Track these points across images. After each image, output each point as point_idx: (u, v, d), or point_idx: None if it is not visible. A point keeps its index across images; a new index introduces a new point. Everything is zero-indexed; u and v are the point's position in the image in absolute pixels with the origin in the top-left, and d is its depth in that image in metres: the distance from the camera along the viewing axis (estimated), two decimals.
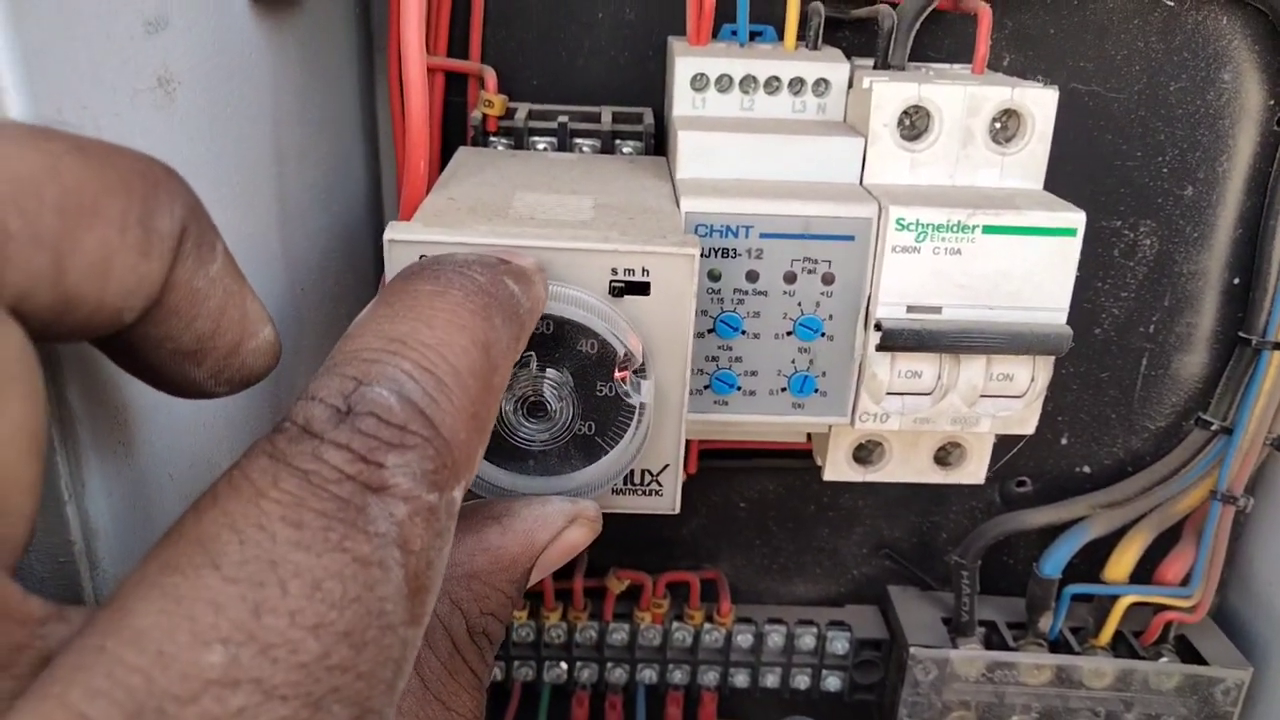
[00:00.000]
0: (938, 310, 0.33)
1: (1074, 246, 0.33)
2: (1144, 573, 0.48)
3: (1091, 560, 0.48)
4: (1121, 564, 0.48)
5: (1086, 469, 0.50)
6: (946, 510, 0.51)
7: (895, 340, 0.33)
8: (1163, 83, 0.43)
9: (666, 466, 0.31)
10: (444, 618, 0.23)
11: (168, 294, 0.17)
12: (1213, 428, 0.47)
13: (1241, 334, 0.46)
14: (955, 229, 0.32)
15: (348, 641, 0.15)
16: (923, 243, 0.32)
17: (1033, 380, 0.34)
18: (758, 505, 0.51)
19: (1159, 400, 0.48)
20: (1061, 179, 0.42)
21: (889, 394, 0.34)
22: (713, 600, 0.51)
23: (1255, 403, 0.45)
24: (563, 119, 0.41)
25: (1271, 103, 0.44)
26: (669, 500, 0.32)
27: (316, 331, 0.36)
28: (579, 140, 0.41)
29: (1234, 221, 0.45)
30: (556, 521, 0.26)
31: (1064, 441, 0.49)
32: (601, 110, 0.42)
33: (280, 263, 0.33)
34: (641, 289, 0.28)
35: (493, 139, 0.42)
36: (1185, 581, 0.48)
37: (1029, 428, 0.36)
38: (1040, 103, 0.34)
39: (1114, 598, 0.47)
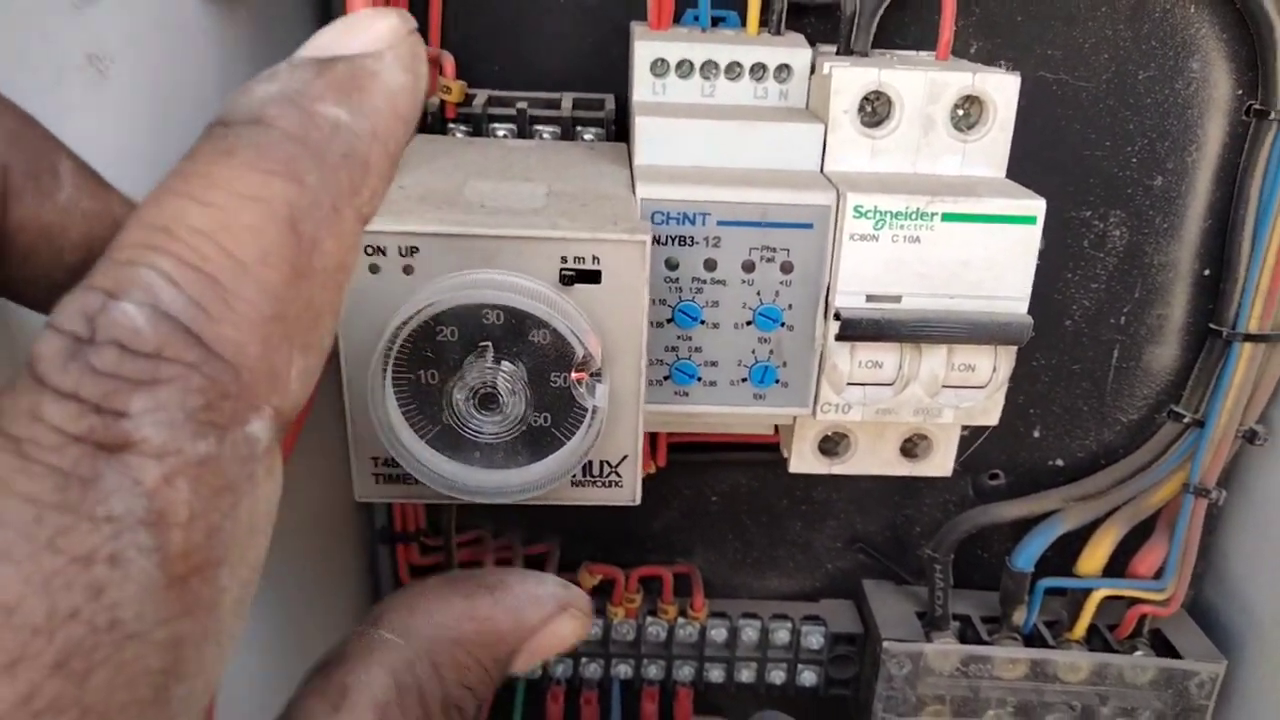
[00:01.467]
0: (897, 299, 0.33)
1: (1034, 234, 0.32)
2: (1117, 566, 0.48)
3: (1064, 553, 0.48)
4: (1094, 557, 0.47)
5: (1059, 462, 0.49)
6: (920, 503, 0.50)
7: (854, 330, 0.32)
8: (1131, 71, 0.43)
9: (625, 458, 0.31)
10: (423, 681, 0.20)
11: (15, 237, 0.15)
12: (1185, 420, 0.47)
13: (1212, 325, 0.46)
14: (914, 216, 0.32)
15: (61, 674, 0.12)
16: (881, 230, 0.32)
17: (995, 370, 0.34)
18: (729, 499, 0.50)
19: (1131, 393, 0.48)
20: (1029, 169, 0.41)
21: (850, 384, 0.34)
22: (686, 595, 0.50)
23: (1226, 395, 0.45)
24: (522, 105, 0.41)
25: (1240, 92, 0.43)
26: (629, 491, 0.31)
27: None
28: (539, 127, 0.41)
29: (1204, 212, 0.45)
30: (548, 604, 0.22)
31: (1036, 434, 0.49)
32: (562, 96, 0.42)
33: None
34: (593, 277, 0.28)
35: (451, 125, 0.41)
36: (1158, 575, 0.47)
37: (993, 419, 0.35)
38: (1002, 89, 0.34)
39: (1087, 591, 0.47)
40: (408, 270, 0.28)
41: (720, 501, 0.50)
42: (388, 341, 0.27)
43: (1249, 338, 0.44)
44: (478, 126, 0.41)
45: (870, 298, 0.33)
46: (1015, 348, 0.33)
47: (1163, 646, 0.49)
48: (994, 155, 0.35)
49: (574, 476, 0.30)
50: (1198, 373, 0.47)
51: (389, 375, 0.28)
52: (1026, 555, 0.47)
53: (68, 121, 0.21)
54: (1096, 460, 0.49)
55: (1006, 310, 0.33)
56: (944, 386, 0.34)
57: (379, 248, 0.27)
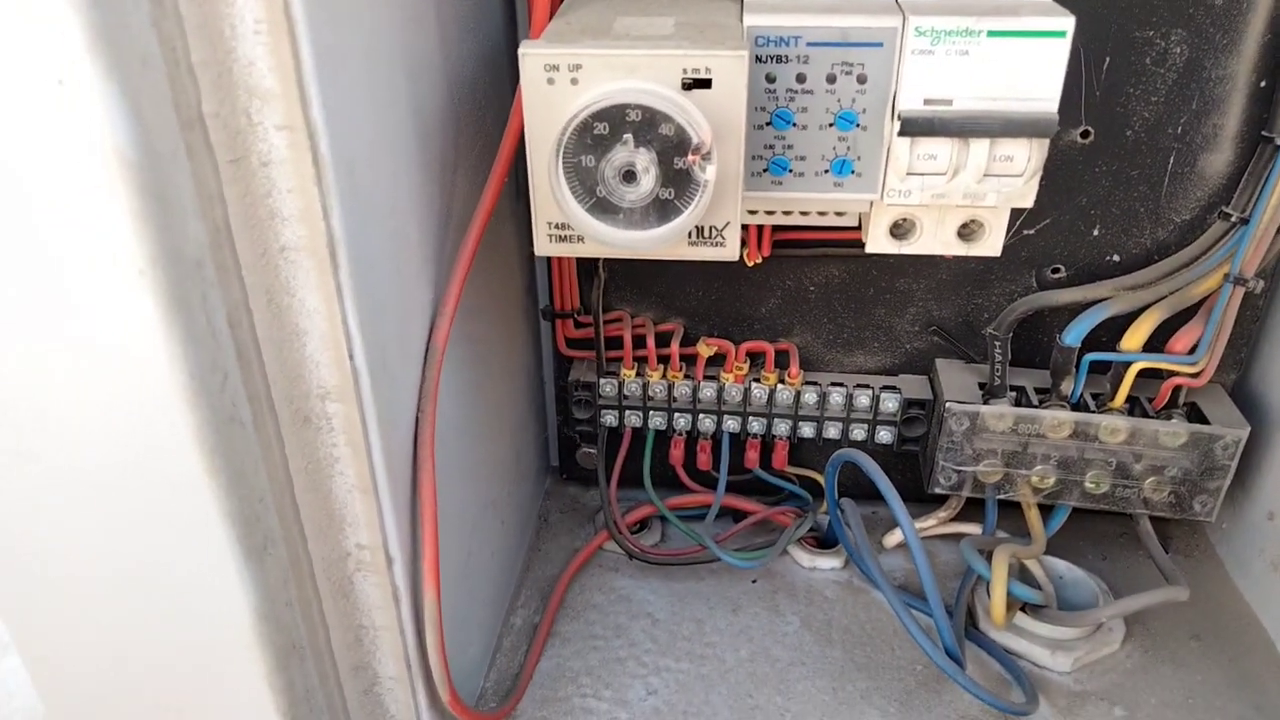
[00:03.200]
0: (949, 102, 0.41)
1: (1064, 46, 0.40)
2: (1157, 348, 0.56)
3: (1111, 337, 0.56)
4: (1136, 336, 0.55)
5: (1116, 258, 0.57)
6: (989, 293, 0.59)
7: (913, 127, 0.41)
8: None
9: (728, 224, 0.41)
10: None
11: None
12: (1232, 219, 0.53)
13: (1264, 133, 0.52)
14: (964, 34, 0.40)
15: None
16: (937, 46, 0.40)
17: (1030, 160, 0.42)
18: (824, 289, 0.60)
19: (1185, 195, 0.55)
20: None
21: (910, 174, 0.43)
22: (785, 367, 0.62)
23: (1271, 195, 0.51)
24: None
25: None
26: (731, 249, 0.42)
27: (469, 130, 0.48)
28: None
29: (1264, 27, 0.50)
30: None
31: (1096, 233, 0.56)
32: None
33: (442, 77, 0.44)
34: (705, 84, 0.38)
35: None
36: (1192, 351, 0.55)
37: (1028, 202, 0.44)
38: None
39: (1127, 364, 0.55)
40: (574, 81, 0.38)
41: (816, 290, 0.60)
42: (559, 133, 0.38)
43: None
44: None
45: (927, 101, 0.41)
46: (1047, 140, 0.42)
47: (1198, 418, 0.57)
48: None
49: (689, 236, 0.41)
50: (1247, 177, 0.53)
51: (560, 158, 0.39)
52: (1076, 333, 0.55)
53: None
54: (1150, 256, 0.56)
55: (1039, 110, 0.41)
56: (987, 175, 0.43)
57: (554, 64, 0.38)
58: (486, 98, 0.50)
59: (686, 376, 0.62)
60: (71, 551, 0.34)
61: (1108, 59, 0.51)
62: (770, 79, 0.42)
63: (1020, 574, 0.59)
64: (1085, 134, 0.53)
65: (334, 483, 0.38)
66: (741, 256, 0.56)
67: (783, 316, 0.62)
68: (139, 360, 0.30)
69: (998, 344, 0.57)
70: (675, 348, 0.62)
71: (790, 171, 0.44)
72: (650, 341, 0.62)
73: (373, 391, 0.37)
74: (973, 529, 0.63)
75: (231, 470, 0.33)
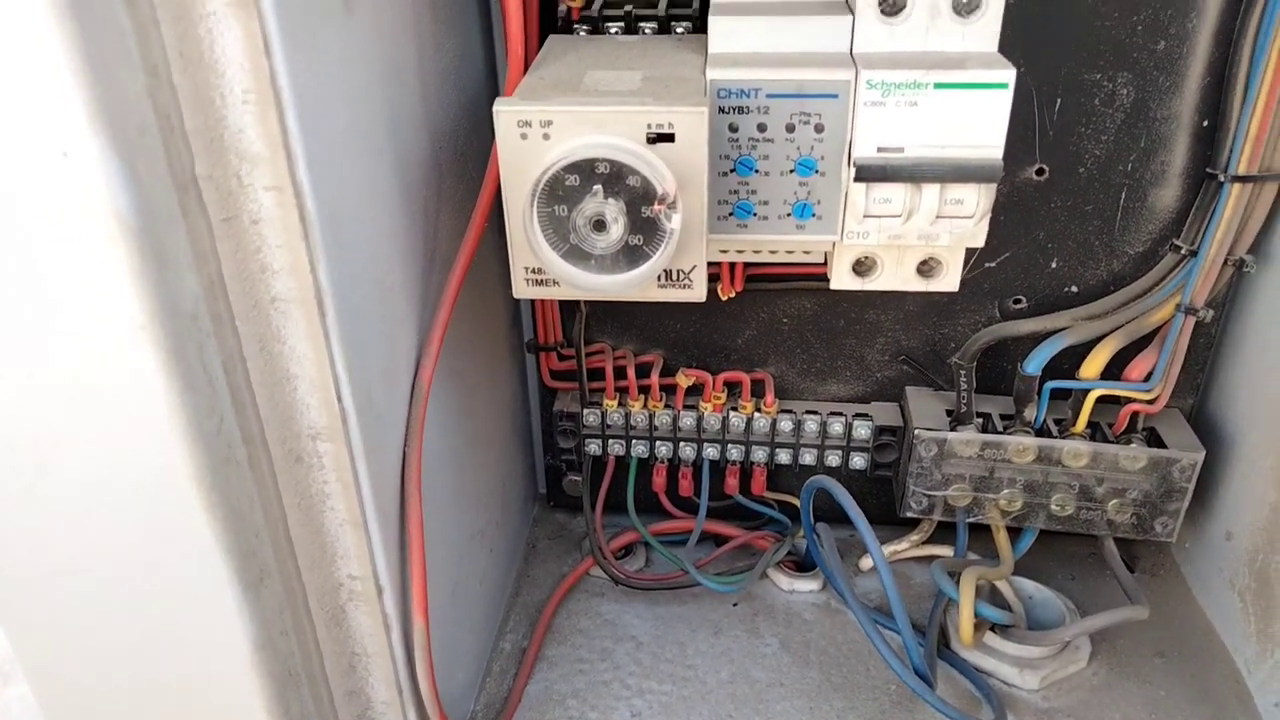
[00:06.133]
0: (901, 150, 0.44)
1: (1005, 97, 0.42)
2: (1114, 376, 0.58)
3: (1070, 365, 0.59)
4: (1094, 364, 0.58)
5: (1074, 289, 0.59)
6: (955, 323, 0.62)
7: (868, 174, 0.44)
8: None
9: (694, 267, 0.44)
10: None
11: None
12: (1182, 251, 0.56)
13: (1208, 169, 0.54)
14: (912, 86, 0.43)
15: None
16: (888, 97, 0.43)
17: (979, 203, 0.45)
18: (796, 320, 0.63)
19: (1137, 229, 0.57)
20: (1047, 39, 0.51)
21: (867, 216, 0.46)
22: (761, 396, 0.64)
23: (1218, 229, 0.54)
24: (629, 7, 0.52)
25: None
26: (698, 291, 0.45)
27: (452, 175, 0.50)
28: (642, 24, 0.53)
29: (1203, 71, 0.53)
30: None
31: (1054, 265, 0.59)
32: None
33: (424, 128, 0.46)
34: (669, 138, 0.41)
35: (576, 26, 0.53)
36: (1148, 378, 0.57)
37: (979, 241, 0.46)
38: None
39: (1086, 391, 0.58)
40: (545, 136, 0.41)
41: (789, 322, 0.63)
42: (533, 185, 0.41)
43: (1238, 179, 0.53)
44: (595, 26, 0.53)
45: (880, 149, 0.44)
46: (994, 184, 0.44)
47: (1156, 442, 0.59)
48: (987, 34, 0.45)
49: (658, 279, 0.43)
50: (1195, 211, 0.56)
51: (535, 208, 0.41)
52: (1036, 361, 0.58)
53: (329, 40, 0.35)
54: (1106, 287, 0.59)
55: (985, 156, 0.43)
56: (939, 217, 0.45)
57: (526, 121, 0.41)
58: (468, 143, 0.53)
59: (667, 406, 0.64)
60: (77, 584, 0.37)
61: (1059, 100, 0.54)
62: (733, 128, 0.45)
63: (991, 594, 0.61)
64: (1040, 171, 0.56)
65: (325, 517, 0.40)
66: (716, 291, 0.59)
67: (758, 347, 0.64)
68: (141, 406, 0.32)
69: (963, 373, 0.59)
70: (655, 378, 0.64)
71: (755, 215, 0.47)
72: (631, 373, 0.64)
73: (360, 431, 0.39)
74: (945, 551, 0.65)
75: (228, 507, 0.35)
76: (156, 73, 0.31)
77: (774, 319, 0.63)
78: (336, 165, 0.37)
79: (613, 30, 0.53)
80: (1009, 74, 0.42)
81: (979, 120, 0.43)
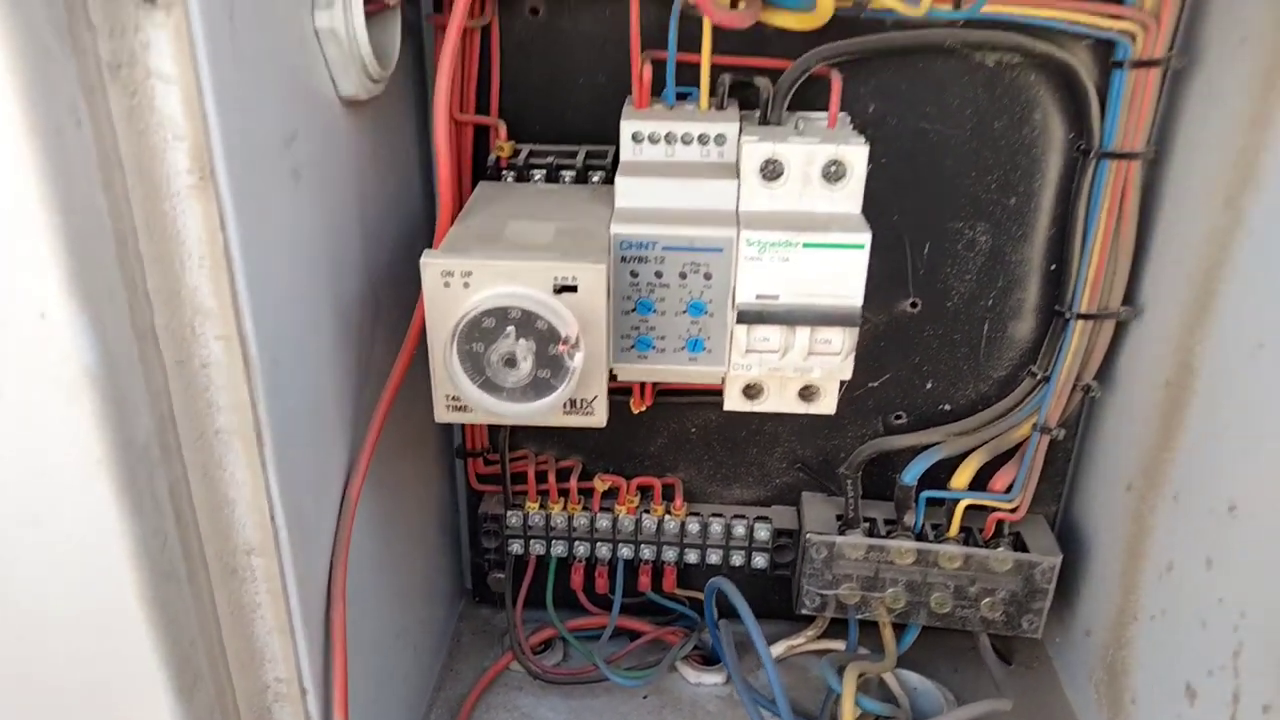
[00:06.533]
0: (776, 297, 0.51)
1: (863, 255, 0.50)
2: (983, 486, 0.65)
3: (945, 474, 0.65)
4: (963, 476, 0.65)
5: (947, 407, 0.67)
6: (844, 435, 0.68)
7: (748, 317, 0.50)
8: (989, 122, 0.59)
9: (596, 396, 0.50)
10: None
11: None
12: (1037, 377, 0.64)
13: (1056, 307, 0.62)
14: (784, 245, 0.50)
15: None
16: (764, 253, 0.50)
17: (844, 343, 0.51)
18: (703, 430, 0.69)
19: (999, 356, 0.65)
20: (916, 194, 0.59)
21: (749, 352, 0.52)
22: (671, 499, 0.70)
23: (1066, 359, 0.62)
24: (550, 159, 0.59)
25: (1072, 135, 0.59)
26: (599, 418, 0.50)
27: (388, 302, 0.56)
28: (562, 172, 0.59)
29: (1048, 223, 0.61)
30: None
31: (929, 386, 0.66)
32: (578, 150, 0.60)
33: (362, 269, 0.52)
34: (573, 289, 0.47)
35: (504, 172, 0.60)
36: (1009, 490, 0.64)
37: (847, 374, 0.53)
38: (856, 155, 0.51)
39: (956, 500, 0.65)
40: (466, 285, 0.47)
41: (696, 431, 0.69)
42: (453, 326, 0.46)
43: (1081, 316, 0.61)
44: (521, 173, 0.59)
45: (759, 296, 0.51)
46: (855, 328, 0.51)
47: (1021, 546, 0.66)
48: (853, 197, 0.52)
49: (564, 407, 0.49)
50: (1046, 342, 0.63)
51: (455, 346, 0.47)
52: (912, 473, 0.65)
53: (280, 209, 0.41)
54: (975, 406, 0.66)
55: (846, 305, 0.50)
56: (811, 354, 0.52)
57: (449, 272, 0.46)
58: (404, 270, 0.58)
59: (585, 508, 0.70)
60: (24, 687, 0.40)
61: (927, 245, 0.62)
62: (634, 274, 0.52)
63: (879, 687, 0.67)
64: (914, 304, 0.64)
65: (255, 625, 0.44)
66: (629, 404, 0.65)
67: (669, 454, 0.70)
68: (94, 528, 0.37)
69: (849, 482, 0.66)
70: (574, 483, 0.70)
71: (654, 348, 0.53)
72: (552, 477, 0.69)
73: (290, 545, 0.44)
74: (839, 645, 0.71)
75: (167, 619, 0.39)
76: (125, 242, 0.37)
77: (683, 429, 0.69)
78: (279, 312, 0.42)
79: (536, 177, 0.60)
80: (865, 236, 0.50)
81: (841, 274, 0.50)
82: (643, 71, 0.55)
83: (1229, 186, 0.52)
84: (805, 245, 0.50)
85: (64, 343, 0.35)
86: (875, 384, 0.66)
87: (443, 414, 0.50)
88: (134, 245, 0.37)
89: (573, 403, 0.50)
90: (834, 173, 0.52)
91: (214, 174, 0.37)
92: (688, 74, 0.56)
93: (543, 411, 0.48)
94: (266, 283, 0.41)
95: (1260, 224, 0.50)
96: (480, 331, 0.47)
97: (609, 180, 0.59)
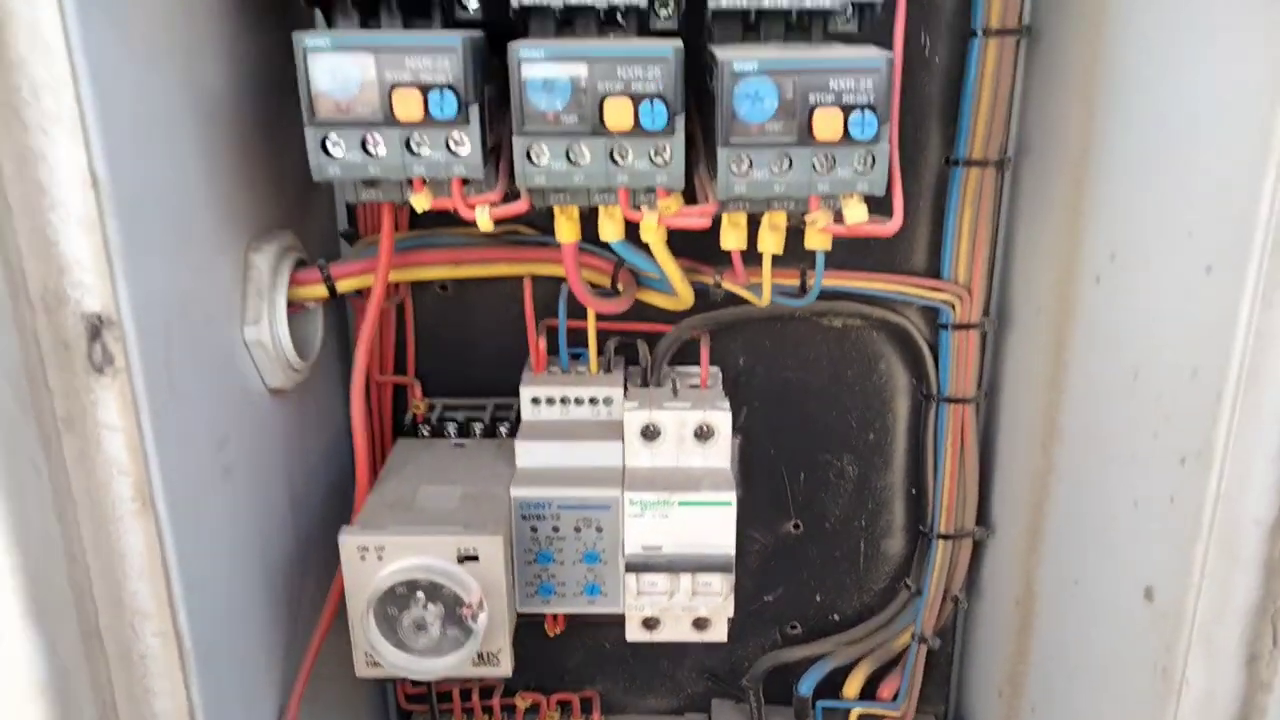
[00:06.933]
0: (660, 548, 0.58)
1: (731, 511, 0.57)
2: (872, 691, 0.71)
3: (838, 681, 0.71)
4: (853, 685, 0.71)
5: (836, 617, 0.73)
6: (746, 645, 0.74)
7: (635, 566, 0.57)
8: (842, 371, 0.68)
9: (501, 649, 0.56)
10: None
11: None
12: (911, 590, 0.71)
13: (921, 528, 0.70)
14: (663, 504, 0.57)
15: None
16: (646, 510, 0.57)
17: (723, 585, 0.58)
18: (617, 645, 0.74)
19: (877, 571, 0.72)
20: (789, 431, 0.67)
21: (640, 594, 0.59)
22: (589, 712, 0.74)
23: (934, 573, 0.69)
24: (460, 415, 0.67)
25: (914, 381, 0.68)
26: (505, 668, 0.56)
27: (316, 563, 0.62)
28: (473, 424, 0.67)
29: (905, 454, 0.69)
30: None
31: (818, 598, 0.73)
32: (487, 403, 0.68)
33: (290, 534, 0.59)
34: (475, 558, 0.53)
35: (420, 427, 0.67)
36: (895, 698, 0.70)
37: (730, 613, 0.59)
38: (721, 420, 0.59)
39: (849, 710, 0.70)
40: (380, 557, 0.53)
41: (611, 646, 0.75)
42: (369, 596, 0.53)
43: (941, 536, 0.68)
44: (435, 428, 0.67)
45: (645, 547, 0.58)
46: (731, 573, 0.58)
47: None
48: (722, 453, 0.60)
49: (472, 660, 0.55)
50: (915, 558, 0.71)
51: (371, 613, 0.53)
52: (807, 684, 0.70)
53: (214, 507, 0.48)
54: (861, 615, 0.73)
55: (720, 553, 0.58)
56: (695, 594, 0.59)
57: (364, 546, 0.53)
58: (330, 531, 0.65)
59: None
60: None
61: (802, 474, 0.70)
62: (534, 529, 0.59)
63: None
64: (797, 526, 0.71)
65: None
66: (544, 627, 0.71)
67: (587, 668, 0.75)
68: None
69: (752, 693, 0.71)
70: (497, 700, 0.74)
71: (555, 594, 0.60)
72: (475, 696, 0.74)
73: None
74: None
75: None
76: (75, 560, 0.43)
77: (598, 644, 0.75)
78: (212, 603, 0.48)
79: (450, 429, 0.67)
80: (731, 495, 0.57)
81: (713, 526, 0.57)
82: (538, 342, 0.64)
83: (1041, 435, 0.61)
84: (681, 504, 0.57)
85: (19, 663, 0.40)
86: (770, 598, 0.73)
87: (362, 669, 0.56)
88: (83, 560, 0.44)
89: (480, 656, 0.56)
90: (704, 432, 0.60)
91: (153, 500, 0.44)
92: (579, 334, 0.65)
93: (452, 667, 0.54)
94: (200, 582, 0.47)
95: (1066, 468, 0.59)
96: (394, 598, 0.53)
97: (514, 432, 0.67)
